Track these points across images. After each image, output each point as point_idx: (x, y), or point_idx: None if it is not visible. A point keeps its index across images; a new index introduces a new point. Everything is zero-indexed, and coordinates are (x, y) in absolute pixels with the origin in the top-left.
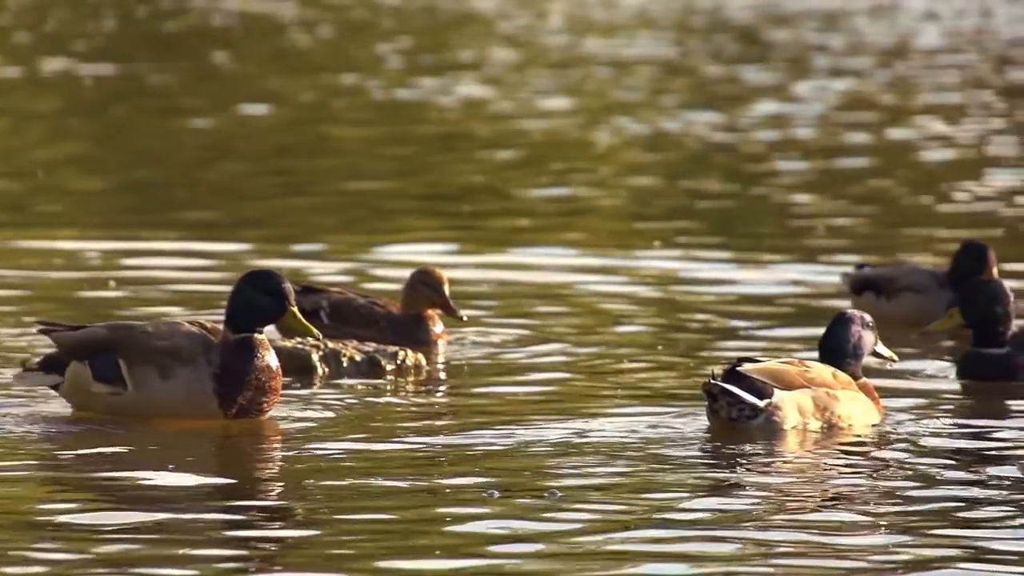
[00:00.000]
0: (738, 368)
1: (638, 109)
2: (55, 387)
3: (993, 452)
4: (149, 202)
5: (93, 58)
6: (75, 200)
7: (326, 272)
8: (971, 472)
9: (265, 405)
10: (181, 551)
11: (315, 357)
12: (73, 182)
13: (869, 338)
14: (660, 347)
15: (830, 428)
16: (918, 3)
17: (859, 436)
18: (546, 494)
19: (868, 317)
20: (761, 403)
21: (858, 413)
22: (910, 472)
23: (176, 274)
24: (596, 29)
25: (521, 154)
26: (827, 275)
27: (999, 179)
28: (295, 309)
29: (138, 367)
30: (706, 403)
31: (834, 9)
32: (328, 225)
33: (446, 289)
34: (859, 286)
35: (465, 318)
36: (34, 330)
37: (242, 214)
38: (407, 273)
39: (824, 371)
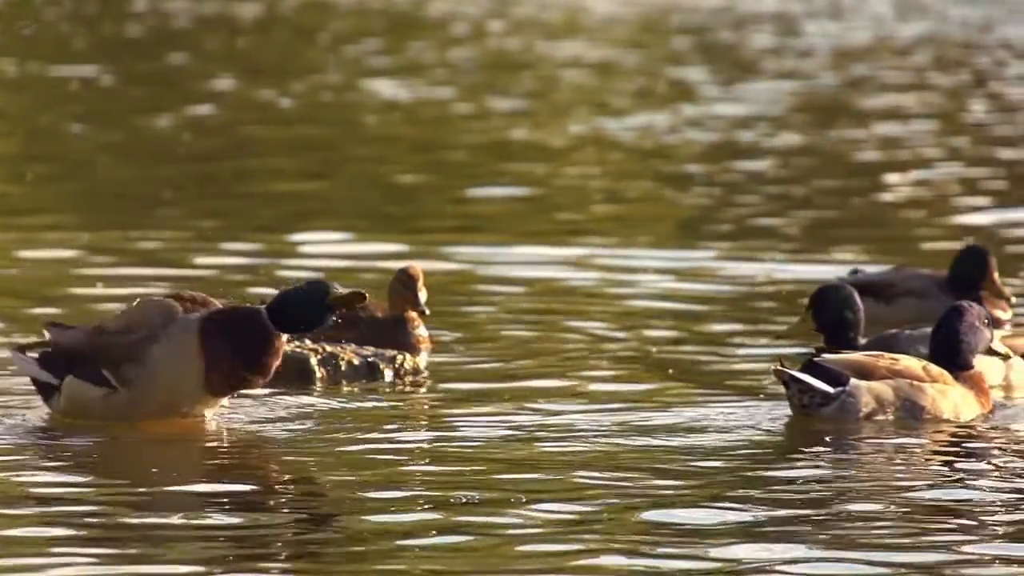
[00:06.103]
0: (815, 359)
1: (590, 110)
2: (45, 398)
3: None
4: (120, 201)
5: (53, 59)
6: (44, 200)
7: (290, 271)
8: None
9: (247, 380)
10: (175, 556)
11: (313, 361)
12: (44, 183)
13: (985, 333)
14: (655, 350)
15: (911, 422)
16: (867, 6)
17: (937, 434)
18: (463, 498)
19: (984, 311)
20: (833, 390)
21: (947, 407)
22: (977, 480)
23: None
24: (550, 31)
25: (477, 154)
26: (789, 272)
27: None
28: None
29: (123, 367)
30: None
31: (788, 12)
32: (284, 223)
33: (418, 286)
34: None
35: (427, 312)
36: (19, 334)
37: (207, 211)
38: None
39: (914, 364)
